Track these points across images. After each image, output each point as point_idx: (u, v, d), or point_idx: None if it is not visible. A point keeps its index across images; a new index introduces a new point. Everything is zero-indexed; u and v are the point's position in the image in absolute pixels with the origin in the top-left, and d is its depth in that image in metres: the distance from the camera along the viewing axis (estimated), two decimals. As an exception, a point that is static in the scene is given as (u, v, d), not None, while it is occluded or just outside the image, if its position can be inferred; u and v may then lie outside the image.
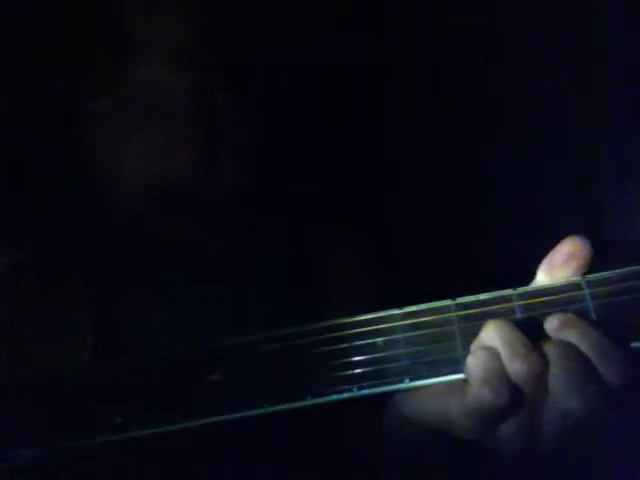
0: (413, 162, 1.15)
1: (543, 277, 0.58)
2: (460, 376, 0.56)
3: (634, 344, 0.53)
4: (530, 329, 0.55)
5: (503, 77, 1.17)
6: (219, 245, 0.77)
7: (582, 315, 0.54)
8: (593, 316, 0.54)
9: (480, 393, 0.53)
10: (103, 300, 0.75)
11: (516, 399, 0.53)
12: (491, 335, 0.54)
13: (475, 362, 0.54)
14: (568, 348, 0.53)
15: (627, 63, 1.15)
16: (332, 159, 0.96)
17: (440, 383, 0.57)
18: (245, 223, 0.79)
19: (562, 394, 0.52)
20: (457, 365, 0.56)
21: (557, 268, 0.57)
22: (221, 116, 0.75)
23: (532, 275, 0.59)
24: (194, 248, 0.76)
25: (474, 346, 0.56)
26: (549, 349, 0.53)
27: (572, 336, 0.53)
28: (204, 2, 0.74)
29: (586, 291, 0.55)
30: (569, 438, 0.52)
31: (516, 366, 0.53)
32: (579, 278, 0.56)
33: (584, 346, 0.53)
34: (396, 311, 0.59)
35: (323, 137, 0.92)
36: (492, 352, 0.54)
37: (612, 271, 0.55)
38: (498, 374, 0.53)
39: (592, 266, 0.67)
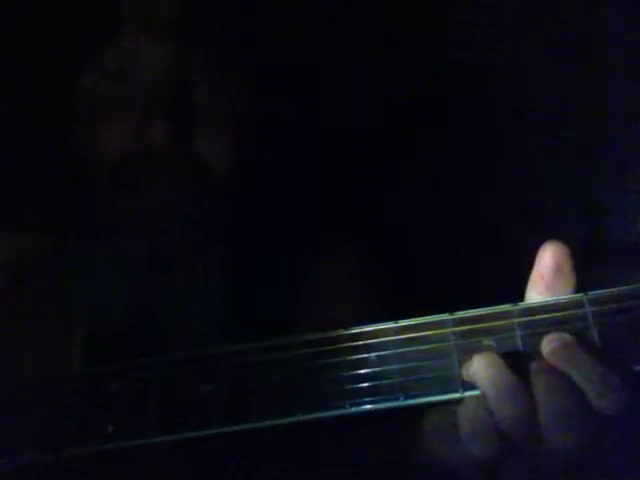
0: (411, 164, 1.13)
1: (537, 296, 0.56)
2: (456, 395, 0.54)
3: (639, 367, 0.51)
4: (521, 357, 0.53)
5: (502, 78, 1.16)
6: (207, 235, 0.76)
7: (580, 338, 0.52)
8: (595, 335, 0.52)
9: (469, 447, 0.51)
10: (93, 299, 0.73)
11: (506, 450, 0.51)
12: (477, 373, 0.53)
13: (463, 415, 0.52)
14: (560, 382, 0.51)
15: (627, 63, 1.14)
16: (324, 152, 0.94)
17: (442, 424, 0.55)
18: (227, 206, 0.77)
19: (553, 433, 0.50)
20: (453, 384, 0.54)
21: (551, 283, 0.55)
22: (200, 92, 0.73)
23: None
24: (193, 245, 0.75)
25: (465, 373, 0.54)
26: (539, 382, 0.51)
27: (565, 363, 0.51)
28: None
29: (588, 309, 0.53)
30: (573, 472, 0.50)
31: (504, 412, 0.51)
32: (581, 295, 0.54)
33: (577, 375, 0.51)
34: (390, 325, 0.57)
35: (313, 129, 0.90)
36: (479, 402, 0.52)
37: (615, 289, 0.53)
38: (486, 427, 0.51)
39: (592, 267, 0.65)
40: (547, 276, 0.54)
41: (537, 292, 0.55)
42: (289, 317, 0.77)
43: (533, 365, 0.52)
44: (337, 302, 0.80)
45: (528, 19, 1.15)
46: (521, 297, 0.58)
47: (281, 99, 0.81)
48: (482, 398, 0.52)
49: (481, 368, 0.52)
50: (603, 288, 0.55)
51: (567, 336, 0.52)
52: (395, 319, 0.58)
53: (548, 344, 0.53)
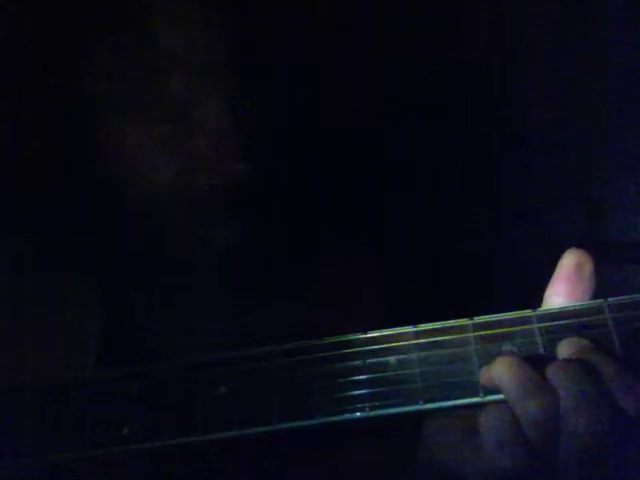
0: (412, 163, 1.13)
1: (558, 300, 0.56)
2: (477, 399, 0.54)
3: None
4: (540, 360, 0.53)
5: (502, 77, 1.16)
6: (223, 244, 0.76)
7: (597, 342, 0.53)
8: (615, 341, 0.53)
9: (494, 457, 0.51)
10: (110, 303, 0.73)
11: (533, 459, 0.51)
12: (500, 373, 0.53)
13: (488, 423, 0.52)
14: (579, 376, 0.51)
15: (627, 63, 1.15)
16: (331, 156, 0.94)
17: (453, 434, 0.55)
18: (233, 209, 0.77)
19: (575, 429, 0.50)
20: (474, 388, 0.54)
21: (570, 285, 0.55)
22: (247, 123, 0.74)
23: (531, 275, 0.58)
24: (204, 248, 0.75)
25: (483, 378, 0.54)
26: (559, 377, 0.51)
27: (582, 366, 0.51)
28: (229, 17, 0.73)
29: (608, 315, 0.53)
30: (591, 471, 0.51)
31: (528, 409, 0.51)
32: (601, 301, 0.54)
33: (600, 372, 0.51)
34: (410, 328, 0.58)
35: (340, 143, 0.90)
36: (502, 410, 0.52)
37: (636, 295, 0.54)
38: (512, 435, 0.51)
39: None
40: (567, 278, 0.55)
41: (556, 294, 0.56)
42: (301, 320, 0.78)
43: (553, 363, 0.52)
44: (346, 306, 0.80)
45: (528, 19, 1.16)
46: (521, 295, 0.58)
47: (286, 102, 0.81)
48: (504, 406, 0.52)
49: (504, 368, 0.53)
50: (604, 288, 0.56)
51: (584, 341, 0.53)
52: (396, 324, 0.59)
53: (565, 349, 0.53)
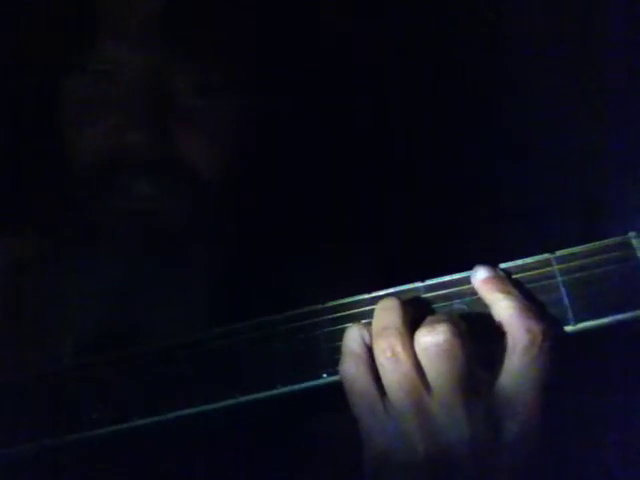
0: (411, 159, 1.13)
1: None
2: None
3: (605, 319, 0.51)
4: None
5: (502, 77, 1.16)
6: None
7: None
8: (562, 291, 0.52)
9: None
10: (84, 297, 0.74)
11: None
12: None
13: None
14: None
15: (627, 63, 1.14)
16: (303, 151, 0.94)
17: None
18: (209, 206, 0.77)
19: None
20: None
21: None
22: (177, 99, 0.73)
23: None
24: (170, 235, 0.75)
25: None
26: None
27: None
28: None
29: (556, 267, 0.53)
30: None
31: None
32: (548, 255, 0.54)
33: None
34: (365, 296, 0.58)
35: (295, 131, 0.90)
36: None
37: (581, 246, 0.54)
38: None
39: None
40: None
41: None
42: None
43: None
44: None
45: (528, 19, 1.16)
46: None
47: (264, 100, 0.82)
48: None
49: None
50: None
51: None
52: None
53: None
